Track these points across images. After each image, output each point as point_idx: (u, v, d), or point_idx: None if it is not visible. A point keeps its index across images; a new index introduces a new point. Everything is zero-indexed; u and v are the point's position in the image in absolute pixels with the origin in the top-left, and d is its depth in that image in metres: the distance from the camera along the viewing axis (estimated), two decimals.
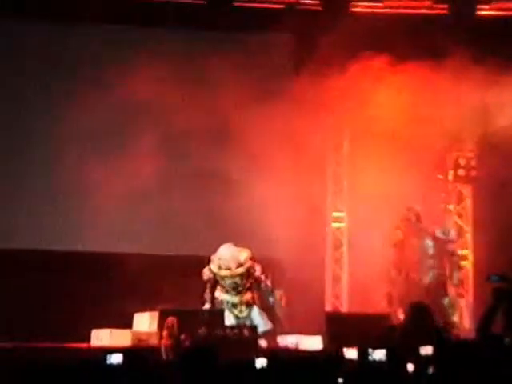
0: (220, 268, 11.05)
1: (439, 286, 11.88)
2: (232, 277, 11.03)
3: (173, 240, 12.46)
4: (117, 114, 12.21)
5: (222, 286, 11.12)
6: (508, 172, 12.06)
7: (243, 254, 11.08)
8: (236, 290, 11.06)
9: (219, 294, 11.14)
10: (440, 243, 11.92)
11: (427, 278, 11.80)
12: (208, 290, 11.04)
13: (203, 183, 12.41)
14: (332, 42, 11.80)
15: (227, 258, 11.02)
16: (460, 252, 12.58)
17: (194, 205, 12.37)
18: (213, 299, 11.03)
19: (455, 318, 11.98)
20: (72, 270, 11.92)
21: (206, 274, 11.10)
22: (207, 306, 11.01)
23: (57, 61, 12.51)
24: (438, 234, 11.99)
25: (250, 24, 12.47)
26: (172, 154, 12.39)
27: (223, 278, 11.05)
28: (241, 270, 11.04)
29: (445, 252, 11.96)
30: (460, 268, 12.41)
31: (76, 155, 12.11)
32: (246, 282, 11.10)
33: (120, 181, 11.64)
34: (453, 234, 12.24)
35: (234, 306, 11.03)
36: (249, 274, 11.09)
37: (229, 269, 11.00)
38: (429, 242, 11.88)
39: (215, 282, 11.09)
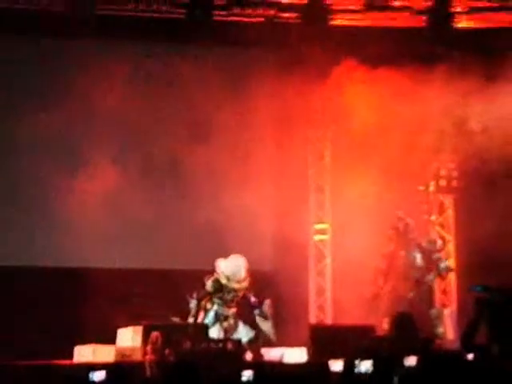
0: (229, 280, 10.89)
1: (425, 298, 11.90)
2: (239, 290, 10.91)
3: (156, 254, 12.41)
4: (87, 124, 12.16)
5: (217, 299, 10.97)
6: (490, 180, 12.16)
7: (246, 270, 11.02)
8: (232, 302, 10.97)
9: (208, 305, 11.00)
10: (427, 254, 11.95)
11: (413, 289, 11.82)
12: (196, 302, 10.89)
13: (185, 197, 12.40)
14: (312, 54, 11.86)
15: (241, 269, 10.89)
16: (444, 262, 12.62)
17: (176, 219, 12.35)
18: (199, 309, 10.89)
19: (441, 329, 12.00)
20: (52, 286, 11.84)
21: (211, 285, 10.90)
22: (191, 319, 10.90)
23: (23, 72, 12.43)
24: (425, 244, 12.03)
25: (229, 38, 12.51)
26: (149, 164, 12.38)
27: (231, 290, 10.89)
28: (246, 283, 10.98)
29: (431, 263, 11.99)
30: (444, 278, 12.44)
31: (43, 166, 12.01)
32: (241, 297, 11.05)
33: (96, 194, 11.64)
34: (439, 243, 12.27)
35: (226, 318, 10.97)
36: (245, 290, 11.04)
37: (239, 281, 10.87)
38: (416, 254, 11.91)
39: (208, 294, 10.96)
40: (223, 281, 10.87)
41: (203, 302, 10.94)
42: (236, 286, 10.87)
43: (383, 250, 11.96)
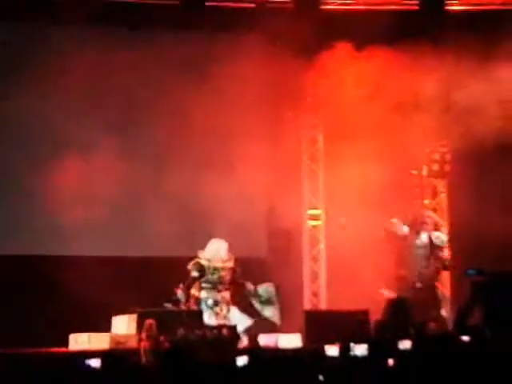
0: (210, 261, 10.95)
1: (429, 283, 11.91)
2: (222, 269, 10.95)
3: (148, 241, 12.39)
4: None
5: (204, 283, 11.00)
6: (483, 164, 12.18)
7: (229, 253, 11.06)
8: (220, 285, 10.98)
9: (197, 293, 11.02)
10: (432, 247, 11.95)
11: (417, 278, 11.83)
12: (184, 289, 10.90)
13: (177, 185, 12.38)
14: (303, 39, 11.85)
15: (219, 249, 10.96)
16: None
17: (169, 206, 12.33)
18: (188, 298, 10.92)
19: (444, 312, 12.04)
20: (47, 274, 11.82)
21: (194, 268, 10.95)
22: (182, 305, 10.91)
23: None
24: (431, 237, 11.99)
25: (221, 23, 12.48)
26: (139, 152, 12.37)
27: (213, 270, 10.94)
28: (230, 263, 11.01)
29: (435, 254, 12.00)
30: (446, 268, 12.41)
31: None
32: (229, 279, 11.06)
33: (89, 183, 11.64)
34: (443, 238, 12.25)
35: (216, 303, 10.98)
36: (233, 272, 11.06)
37: (221, 260, 10.92)
38: (421, 242, 11.88)
39: (195, 279, 10.98)
40: (204, 262, 10.91)
41: (192, 290, 10.96)
42: (218, 264, 10.91)
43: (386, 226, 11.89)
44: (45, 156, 11.88)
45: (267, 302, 11.08)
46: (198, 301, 10.99)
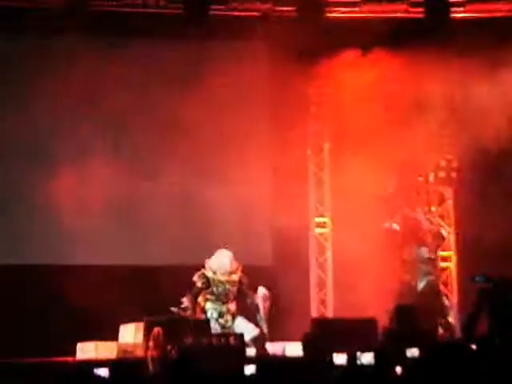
0: (215, 273, 10.91)
1: (433, 291, 11.90)
2: (228, 282, 10.90)
3: (156, 250, 12.40)
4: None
5: (209, 294, 10.98)
6: (489, 171, 12.16)
7: (236, 263, 11.01)
8: (226, 297, 10.94)
9: (203, 303, 11.00)
10: (433, 248, 11.95)
11: (421, 283, 11.82)
12: (191, 298, 10.88)
13: (183, 192, 12.39)
14: (308, 47, 11.85)
15: (225, 262, 10.90)
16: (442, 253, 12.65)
17: (176, 215, 12.34)
18: (195, 306, 10.89)
19: (450, 319, 12.02)
20: (54, 283, 11.83)
21: (200, 280, 10.92)
22: (189, 313, 10.88)
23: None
24: (431, 238, 12.00)
25: (225, 32, 12.49)
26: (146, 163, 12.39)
27: (218, 283, 10.90)
28: (235, 277, 10.97)
29: (437, 257, 12.00)
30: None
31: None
32: (235, 291, 11.02)
33: (100, 191, 11.66)
34: (444, 233, 12.26)
35: (221, 315, 10.94)
36: (239, 284, 11.01)
37: (226, 273, 10.87)
38: (423, 248, 11.89)
39: (201, 289, 10.95)
40: (209, 274, 10.86)
41: (199, 299, 10.92)
42: (222, 278, 10.85)
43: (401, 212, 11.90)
44: (40, 165, 11.88)
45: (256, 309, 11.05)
46: (203, 310, 10.97)
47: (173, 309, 10.54)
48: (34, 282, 11.96)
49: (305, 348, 6.27)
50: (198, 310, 10.91)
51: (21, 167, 12.12)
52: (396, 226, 11.91)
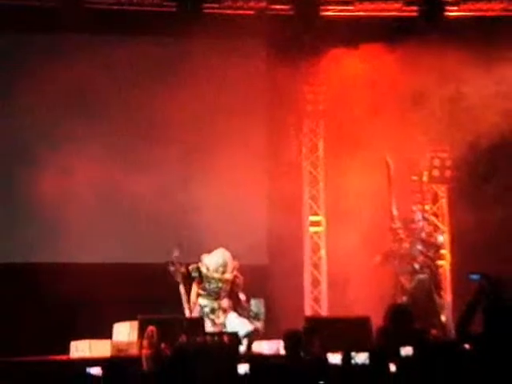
0: (208, 269, 10.96)
1: (426, 289, 11.90)
2: (220, 281, 10.94)
3: (150, 249, 12.39)
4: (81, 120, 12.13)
5: (201, 290, 11.01)
6: (483, 170, 12.18)
7: (233, 263, 11.04)
8: (217, 294, 10.98)
9: (195, 300, 11.01)
10: (427, 247, 11.95)
11: (414, 282, 11.83)
12: (193, 295, 10.95)
13: (176, 191, 12.38)
14: (303, 45, 11.85)
15: (220, 261, 10.95)
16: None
17: (169, 214, 12.33)
18: (188, 302, 10.92)
19: (443, 318, 12.02)
20: (47, 282, 11.81)
21: (193, 271, 10.96)
22: (187, 312, 10.91)
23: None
24: (426, 238, 12.00)
25: (220, 30, 12.48)
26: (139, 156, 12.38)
27: (210, 279, 10.94)
28: (228, 275, 10.99)
29: (432, 256, 12.00)
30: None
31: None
32: (228, 290, 11.04)
33: (90, 189, 11.65)
34: (441, 239, 12.27)
35: (213, 311, 10.97)
36: (232, 283, 11.04)
37: (219, 271, 10.92)
38: (418, 247, 11.91)
39: (194, 278, 10.98)
40: (203, 269, 10.92)
41: (192, 295, 10.95)
42: (216, 275, 10.90)
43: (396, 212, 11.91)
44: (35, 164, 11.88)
45: (255, 316, 11.08)
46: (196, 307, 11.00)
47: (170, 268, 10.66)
48: (24, 280, 11.93)
49: (286, 347, 6.26)
50: (188, 306, 10.93)
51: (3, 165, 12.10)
52: (392, 225, 11.92)
